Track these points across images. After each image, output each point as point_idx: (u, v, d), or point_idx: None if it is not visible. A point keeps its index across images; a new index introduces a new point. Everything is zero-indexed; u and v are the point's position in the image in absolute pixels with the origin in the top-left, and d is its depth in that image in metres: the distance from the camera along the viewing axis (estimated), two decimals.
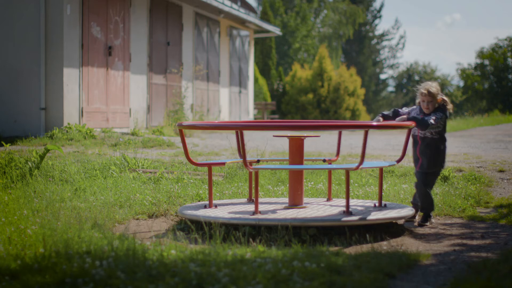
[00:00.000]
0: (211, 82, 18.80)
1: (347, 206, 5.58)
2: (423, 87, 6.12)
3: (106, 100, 13.53)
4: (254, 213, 5.55)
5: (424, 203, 6.10)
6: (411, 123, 5.87)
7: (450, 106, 6.13)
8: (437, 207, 6.58)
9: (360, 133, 17.51)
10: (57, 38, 12.17)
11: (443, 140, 6.13)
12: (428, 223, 6.09)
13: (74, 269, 3.79)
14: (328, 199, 6.50)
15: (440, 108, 6.09)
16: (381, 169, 6.12)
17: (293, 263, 4.00)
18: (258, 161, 6.45)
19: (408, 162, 9.71)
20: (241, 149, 5.64)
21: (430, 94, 6.06)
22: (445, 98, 6.14)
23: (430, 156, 6.05)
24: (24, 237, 4.67)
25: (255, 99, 25.93)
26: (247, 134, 15.51)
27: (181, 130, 6.00)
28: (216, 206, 6.01)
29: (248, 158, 6.29)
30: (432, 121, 5.93)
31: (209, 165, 6.10)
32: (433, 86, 6.09)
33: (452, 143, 14.14)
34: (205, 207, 5.95)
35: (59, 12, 12.14)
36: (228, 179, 8.08)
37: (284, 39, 40.73)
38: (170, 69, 16.17)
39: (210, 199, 5.97)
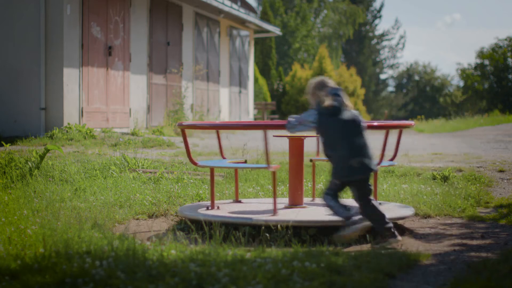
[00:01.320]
0: (211, 82, 18.80)
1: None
2: None
3: (106, 100, 13.53)
4: (209, 207, 5.54)
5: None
6: (410, 123, 5.87)
7: (326, 104, 4.95)
8: (437, 207, 6.58)
9: None
10: (57, 38, 12.17)
11: (326, 145, 5.00)
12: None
13: (74, 269, 3.79)
14: (313, 199, 6.55)
15: (317, 105, 5.05)
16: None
17: (293, 263, 4.00)
18: (245, 161, 6.49)
19: (408, 162, 9.71)
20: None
21: (307, 92, 5.19)
22: (318, 94, 5.01)
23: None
24: (24, 237, 4.67)
25: (255, 99, 25.92)
26: (247, 134, 15.51)
27: (183, 130, 6.00)
28: (218, 207, 6.00)
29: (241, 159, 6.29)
30: (294, 121, 5.07)
31: (211, 168, 6.07)
32: (309, 82, 5.17)
33: (452, 143, 14.14)
34: (207, 208, 5.91)
35: (59, 12, 12.14)
36: (228, 179, 8.08)
37: (284, 39, 40.73)
38: (170, 69, 16.17)
39: (212, 200, 5.93)
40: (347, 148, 4.90)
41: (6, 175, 7.37)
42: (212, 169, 6.06)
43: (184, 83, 16.92)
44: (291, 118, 5.10)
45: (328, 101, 4.94)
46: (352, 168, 4.89)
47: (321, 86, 5.05)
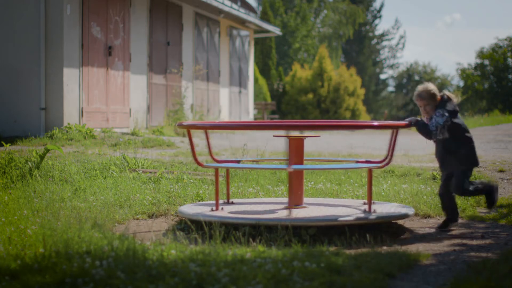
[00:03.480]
0: (211, 82, 18.80)
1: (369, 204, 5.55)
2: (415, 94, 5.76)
3: (106, 100, 13.53)
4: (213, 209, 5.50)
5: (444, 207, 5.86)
6: (408, 123, 5.84)
7: (455, 100, 5.66)
8: (437, 207, 6.58)
9: (360, 134, 17.49)
10: (57, 38, 12.17)
11: (453, 140, 5.62)
12: (447, 229, 5.76)
13: (74, 269, 3.79)
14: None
15: (440, 106, 5.64)
16: (369, 170, 6.01)
17: (293, 263, 4.00)
18: (239, 161, 6.40)
19: (408, 162, 9.70)
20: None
21: (421, 98, 5.65)
22: (448, 94, 5.70)
23: (440, 157, 5.77)
24: (24, 237, 4.67)
25: (255, 99, 25.92)
26: (247, 134, 15.51)
27: (189, 131, 5.89)
28: (222, 208, 5.89)
29: (234, 159, 6.28)
30: (433, 127, 5.55)
31: (216, 168, 5.99)
32: (424, 88, 5.67)
33: None
34: (211, 209, 5.82)
35: (59, 12, 12.14)
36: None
37: (284, 39, 40.72)
38: (170, 69, 16.17)
39: (216, 201, 5.84)
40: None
41: (6, 175, 7.37)
42: (216, 170, 5.95)
43: (184, 83, 16.92)
44: (423, 122, 5.64)
45: (453, 98, 5.72)
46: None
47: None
